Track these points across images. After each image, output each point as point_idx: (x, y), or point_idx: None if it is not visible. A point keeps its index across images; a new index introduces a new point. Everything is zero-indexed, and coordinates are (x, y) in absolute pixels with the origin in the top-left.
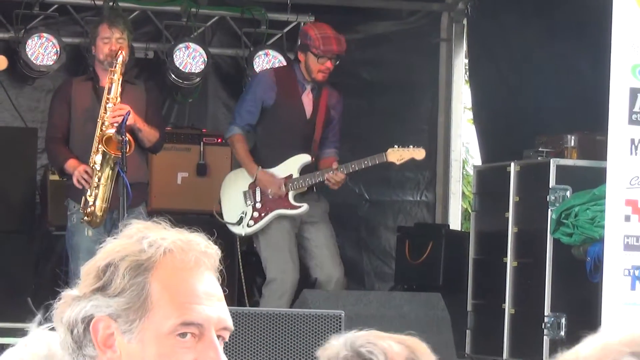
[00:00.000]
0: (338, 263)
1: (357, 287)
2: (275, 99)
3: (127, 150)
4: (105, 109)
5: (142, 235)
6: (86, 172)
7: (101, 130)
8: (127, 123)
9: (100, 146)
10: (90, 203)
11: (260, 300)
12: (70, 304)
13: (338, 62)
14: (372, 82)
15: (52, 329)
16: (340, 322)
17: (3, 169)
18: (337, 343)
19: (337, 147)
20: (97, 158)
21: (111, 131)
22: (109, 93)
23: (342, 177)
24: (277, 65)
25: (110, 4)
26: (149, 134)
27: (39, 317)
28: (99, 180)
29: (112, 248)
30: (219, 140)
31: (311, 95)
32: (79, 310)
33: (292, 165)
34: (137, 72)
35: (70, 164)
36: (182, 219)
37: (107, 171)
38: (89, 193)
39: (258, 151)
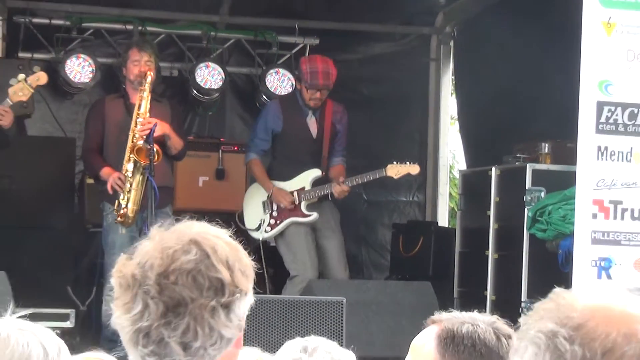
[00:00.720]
0: (344, 269)
1: (356, 276)
2: (283, 126)
3: (156, 158)
4: (136, 123)
5: None
6: (119, 179)
7: (132, 141)
8: (155, 134)
9: (131, 155)
10: (123, 206)
11: (283, 290)
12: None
13: (328, 91)
14: (370, 97)
15: None
16: (342, 307)
17: (46, 173)
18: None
19: (344, 155)
20: (129, 166)
21: (140, 142)
22: (139, 109)
23: (346, 190)
24: (286, 83)
25: (140, 28)
26: (176, 142)
27: None
28: (131, 185)
29: None
30: (235, 148)
31: (314, 117)
32: None
33: (305, 179)
34: (163, 88)
35: (105, 172)
36: (202, 217)
37: (138, 177)
38: (122, 197)
39: (274, 168)
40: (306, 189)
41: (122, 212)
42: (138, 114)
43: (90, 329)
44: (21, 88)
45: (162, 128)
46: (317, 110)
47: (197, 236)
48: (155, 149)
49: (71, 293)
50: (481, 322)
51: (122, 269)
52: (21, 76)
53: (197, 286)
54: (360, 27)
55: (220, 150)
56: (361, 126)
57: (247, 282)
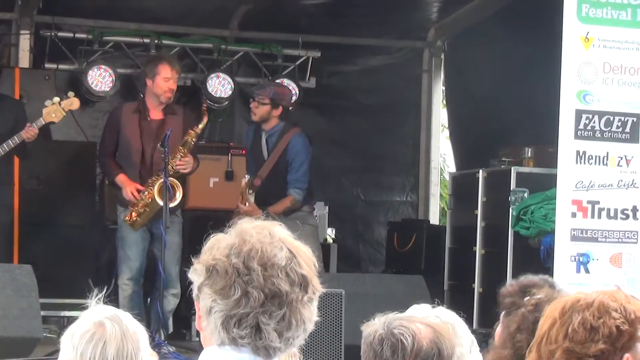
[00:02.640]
0: None
1: (354, 270)
2: None
3: (175, 196)
4: (176, 154)
5: None
6: (138, 191)
7: (169, 169)
8: (183, 171)
9: (161, 178)
10: (135, 214)
11: None
12: None
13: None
14: (368, 105)
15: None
16: (341, 299)
17: (69, 175)
18: (378, 322)
19: None
20: (154, 189)
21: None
22: (183, 145)
23: None
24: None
25: (156, 41)
26: (193, 168)
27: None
28: (147, 206)
29: None
30: (243, 152)
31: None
32: None
33: None
34: (178, 96)
35: (120, 179)
36: (213, 214)
37: (155, 191)
38: (136, 207)
39: None
40: None
41: (133, 220)
42: (181, 150)
43: None
44: (55, 110)
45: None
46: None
47: (283, 236)
48: (172, 186)
49: (92, 285)
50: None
51: (213, 255)
52: (56, 99)
53: (290, 281)
54: (359, 41)
55: (229, 154)
56: (359, 132)
57: (318, 283)
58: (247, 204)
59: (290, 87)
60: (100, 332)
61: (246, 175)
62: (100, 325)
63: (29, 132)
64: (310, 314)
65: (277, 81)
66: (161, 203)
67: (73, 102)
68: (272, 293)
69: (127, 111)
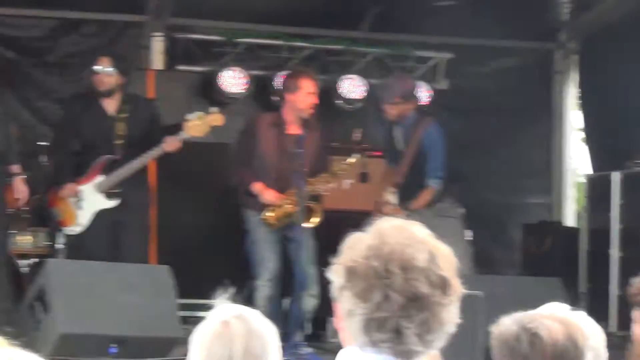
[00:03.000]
0: None
1: (487, 272)
2: None
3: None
4: (320, 179)
5: None
6: (279, 199)
7: (309, 190)
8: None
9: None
10: (274, 218)
11: None
12: None
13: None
14: (499, 107)
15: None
16: (479, 301)
17: (203, 176)
18: (508, 320)
19: None
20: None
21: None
22: (330, 173)
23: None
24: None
25: (288, 44)
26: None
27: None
28: (290, 213)
29: None
30: (377, 153)
31: None
32: None
33: None
34: None
35: (257, 187)
36: (348, 216)
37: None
38: (270, 209)
39: None
40: None
41: (271, 222)
42: (326, 177)
43: None
44: (198, 125)
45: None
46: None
47: (423, 237)
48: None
49: (228, 285)
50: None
51: (352, 257)
52: (199, 114)
53: (430, 283)
54: (490, 42)
55: (364, 155)
56: (491, 133)
57: (459, 284)
58: (388, 206)
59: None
60: (226, 331)
61: (388, 188)
62: (227, 324)
63: (172, 145)
64: (451, 317)
65: (396, 74)
66: (302, 224)
67: (217, 118)
68: (412, 296)
69: (264, 123)
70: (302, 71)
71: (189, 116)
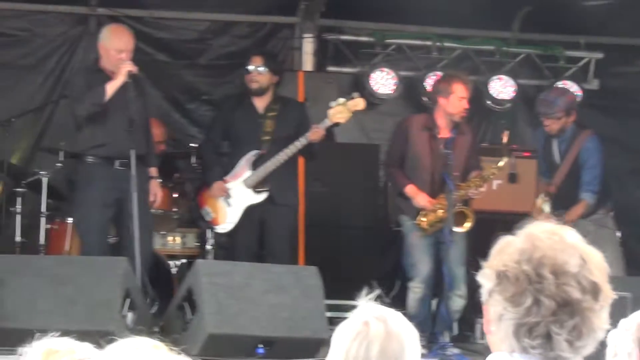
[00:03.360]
0: None
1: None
2: None
3: (464, 225)
4: (471, 183)
5: None
6: (432, 204)
7: (460, 194)
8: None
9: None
10: (426, 223)
11: None
12: None
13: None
14: None
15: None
16: (627, 302)
17: (353, 177)
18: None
19: None
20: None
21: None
22: (481, 177)
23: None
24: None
25: (437, 44)
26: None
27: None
28: (441, 211)
29: None
30: (526, 154)
31: None
32: None
33: None
34: None
35: (410, 190)
36: (498, 217)
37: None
38: (423, 213)
39: None
40: None
41: (424, 227)
42: (477, 181)
43: None
44: (340, 111)
45: None
46: None
47: (574, 241)
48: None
49: (377, 287)
50: None
51: (503, 260)
52: (341, 100)
53: (581, 289)
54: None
55: (512, 156)
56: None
57: (610, 290)
58: (542, 215)
59: (571, 89)
60: (365, 331)
61: (541, 195)
62: (366, 324)
63: (315, 133)
64: (601, 322)
65: (557, 85)
66: (453, 228)
67: (358, 103)
68: (563, 301)
69: (417, 125)
70: (455, 75)
71: (332, 103)
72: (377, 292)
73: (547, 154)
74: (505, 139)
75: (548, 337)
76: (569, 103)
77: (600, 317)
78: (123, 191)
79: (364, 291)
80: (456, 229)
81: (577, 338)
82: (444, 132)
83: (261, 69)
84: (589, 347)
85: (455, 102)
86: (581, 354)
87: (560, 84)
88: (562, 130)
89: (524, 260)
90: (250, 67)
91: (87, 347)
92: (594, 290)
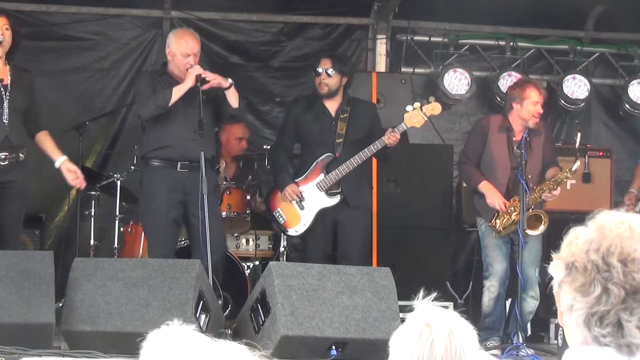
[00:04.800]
0: None
1: None
2: None
3: (539, 228)
4: (544, 186)
5: None
6: (505, 206)
7: (534, 197)
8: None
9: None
10: (498, 225)
11: None
12: None
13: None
14: None
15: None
16: None
17: (426, 178)
18: None
19: None
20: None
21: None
22: (554, 181)
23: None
24: None
25: (511, 44)
26: None
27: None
28: (514, 214)
29: None
30: (601, 153)
31: None
32: None
33: None
34: None
35: (485, 186)
36: (572, 217)
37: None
38: (501, 218)
39: None
40: None
41: (497, 228)
42: (550, 184)
43: (468, 320)
44: (416, 115)
45: None
46: None
47: None
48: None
49: (450, 287)
50: None
51: (572, 251)
52: (417, 104)
53: None
54: None
55: (586, 155)
56: None
57: None
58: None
59: None
60: (427, 332)
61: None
62: (428, 325)
63: (391, 137)
64: None
65: None
66: (527, 231)
67: (434, 107)
68: (632, 289)
69: (494, 125)
70: (528, 81)
71: (408, 107)
72: (449, 293)
73: None
74: (577, 142)
75: (619, 325)
76: None
77: None
78: (187, 193)
79: (430, 292)
80: (530, 232)
81: None
82: (518, 135)
83: (330, 71)
84: None
85: (529, 107)
86: None
87: (636, 82)
88: None
89: (592, 250)
90: (319, 70)
91: None
92: None
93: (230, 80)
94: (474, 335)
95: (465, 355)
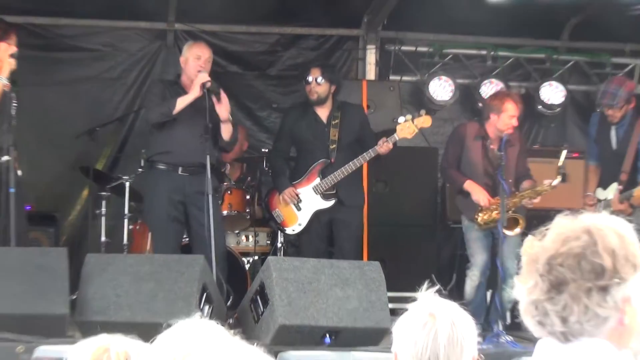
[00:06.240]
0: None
1: None
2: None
3: (515, 230)
4: (524, 195)
5: None
6: (490, 202)
7: (512, 203)
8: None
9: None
10: (480, 218)
11: None
12: None
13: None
14: None
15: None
16: None
17: (413, 178)
18: None
19: None
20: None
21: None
22: (535, 191)
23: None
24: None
25: (492, 53)
26: None
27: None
28: (495, 212)
29: None
30: (575, 154)
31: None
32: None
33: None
34: None
35: (469, 185)
36: (548, 214)
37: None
38: (482, 213)
39: None
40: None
41: (478, 222)
42: (530, 194)
43: None
44: (408, 127)
45: None
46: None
47: (591, 226)
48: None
49: (435, 279)
50: None
51: (528, 249)
52: (408, 117)
53: (580, 269)
54: None
55: (564, 173)
56: None
57: (630, 269)
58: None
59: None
60: (432, 322)
61: (614, 185)
62: (432, 315)
63: (384, 147)
64: (601, 300)
65: (612, 78)
66: (505, 230)
67: (425, 120)
68: (557, 281)
69: (471, 132)
70: (508, 94)
71: (400, 119)
72: (436, 284)
73: (602, 139)
74: (562, 160)
75: (545, 313)
76: (629, 92)
77: (596, 296)
78: (187, 196)
79: (425, 284)
80: (506, 232)
81: (569, 314)
82: (494, 143)
83: (319, 79)
84: (592, 325)
85: (505, 119)
86: (584, 331)
87: (615, 78)
88: (623, 117)
89: (537, 245)
90: (309, 79)
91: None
92: (595, 271)
93: (230, 118)
94: (473, 326)
95: (466, 343)
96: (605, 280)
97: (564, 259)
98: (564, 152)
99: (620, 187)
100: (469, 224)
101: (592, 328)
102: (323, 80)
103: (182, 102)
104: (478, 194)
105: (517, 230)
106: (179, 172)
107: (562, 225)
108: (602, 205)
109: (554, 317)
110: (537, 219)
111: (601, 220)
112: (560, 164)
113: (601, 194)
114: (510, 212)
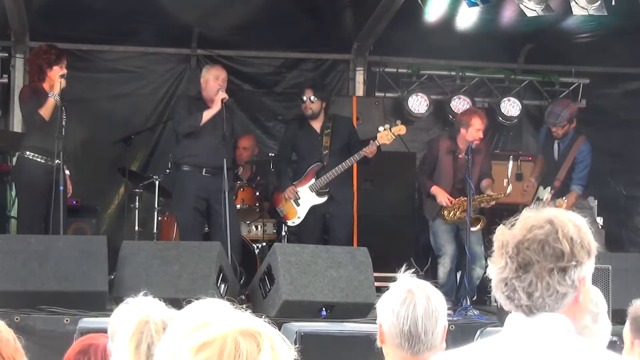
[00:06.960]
0: None
1: (618, 251)
2: None
3: (477, 226)
4: (485, 199)
5: None
6: (451, 202)
7: (474, 204)
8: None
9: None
10: (446, 214)
11: None
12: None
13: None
14: (627, 120)
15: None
16: (608, 273)
17: (395, 178)
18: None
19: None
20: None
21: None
22: (497, 195)
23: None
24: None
25: (460, 74)
26: None
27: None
28: (460, 211)
29: None
30: (529, 158)
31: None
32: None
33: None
34: None
35: (435, 190)
36: (507, 207)
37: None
38: (449, 212)
39: None
40: None
41: (445, 217)
42: (492, 196)
43: None
44: (386, 135)
45: None
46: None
47: (553, 217)
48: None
49: (414, 262)
50: None
51: (499, 236)
52: (387, 126)
53: (543, 252)
54: (620, 70)
55: (519, 160)
56: (620, 141)
57: (585, 255)
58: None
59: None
60: (410, 297)
61: (547, 189)
62: (410, 292)
63: (369, 150)
64: (561, 279)
65: (559, 101)
66: (470, 227)
67: (401, 129)
68: (524, 262)
69: (443, 147)
70: (474, 111)
71: (380, 128)
72: (414, 267)
73: (546, 150)
74: (509, 173)
75: (513, 289)
76: (571, 114)
77: (557, 276)
78: (209, 193)
79: (403, 267)
80: (472, 228)
81: (534, 290)
82: (463, 152)
83: (312, 98)
84: (552, 300)
85: (472, 132)
86: (546, 306)
87: (560, 101)
88: (564, 134)
89: (507, 232)
90: (304, 98)
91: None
92: (555, 255)
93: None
94: (444, 301)
95: (440, 316)
96: (565, 262)
97: (530, 244)
98: (511, 164)
99: (552, 191)
100: (436, 220)
101: (553, 302)
102: (315, 99)
103: (206, 115)
104: (440, 196)
105: (478, 227)
106: (203, 173)
107: (528, 216)
108: (538, 203)
109: (521, 292)
110: (498, 210)
111: (561, 213)
112: (509, 175)
113: (540, 192)
114: (472, 212)
